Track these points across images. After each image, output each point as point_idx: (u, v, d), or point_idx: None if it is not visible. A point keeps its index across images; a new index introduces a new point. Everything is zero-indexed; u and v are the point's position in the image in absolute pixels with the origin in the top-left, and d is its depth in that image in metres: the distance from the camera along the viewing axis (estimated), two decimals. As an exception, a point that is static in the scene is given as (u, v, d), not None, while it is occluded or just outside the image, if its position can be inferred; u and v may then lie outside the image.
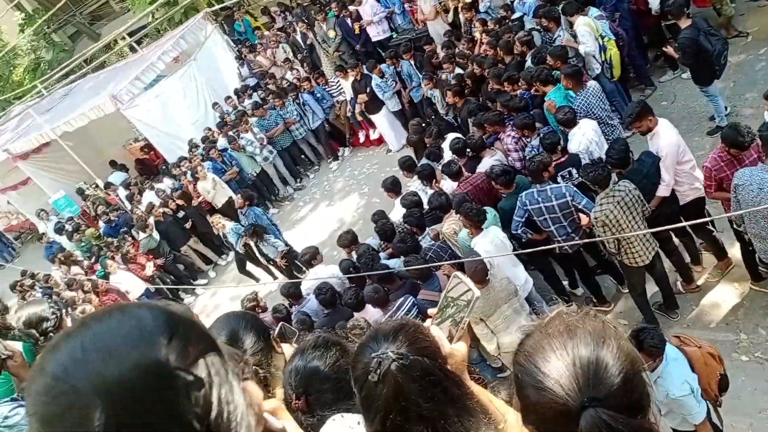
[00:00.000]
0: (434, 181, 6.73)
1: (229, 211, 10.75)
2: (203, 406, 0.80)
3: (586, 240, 5.22)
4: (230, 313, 2.12)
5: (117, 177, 13.93)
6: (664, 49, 7.18)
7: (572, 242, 5.42)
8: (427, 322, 1.60)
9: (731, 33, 7.88)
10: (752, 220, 4.54)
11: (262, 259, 8.95)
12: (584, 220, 5.31)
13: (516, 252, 5.49)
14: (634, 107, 5.44)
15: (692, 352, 3.78)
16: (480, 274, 4.75)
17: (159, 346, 0.79)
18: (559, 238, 5.47)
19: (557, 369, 1.14)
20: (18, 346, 3.19)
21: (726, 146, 4.72)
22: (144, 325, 0.82)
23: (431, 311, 1.61)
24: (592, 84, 6.60)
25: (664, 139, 5.23)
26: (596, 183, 4.94)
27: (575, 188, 5.38)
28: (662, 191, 5.28)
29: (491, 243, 5.30)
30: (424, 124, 8.65)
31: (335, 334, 2.00)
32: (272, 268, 9.28)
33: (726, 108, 7.09)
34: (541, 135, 6.05)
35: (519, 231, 5.59)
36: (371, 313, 5.36)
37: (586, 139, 5.89)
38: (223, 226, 9.29)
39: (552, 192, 5.34)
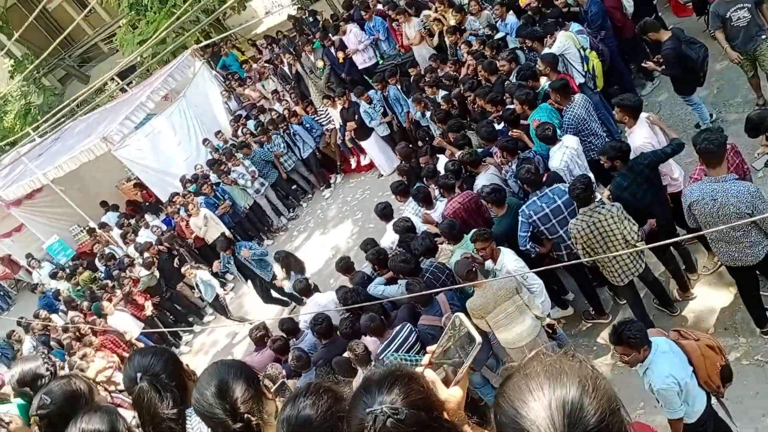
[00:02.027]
0: (429, 203, 6.69)
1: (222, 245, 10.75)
2: None
3: (576, 261, 5.17)
4: (219, 362, 2.10)
5: (110, 217, 13.90)
6: (643, 64, 7.23)
7: (563, 263, 5.47)
8: (425, 359, 1.57)
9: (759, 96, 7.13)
10: (714, 228, 4.45)
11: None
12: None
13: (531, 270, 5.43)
14: (632, 99, 5.69)
15: (688, 345, 3.83)
16: (471, 275, 4.95)
17: None
18: (568, 242, 5.44)
19: (534, 410, 1.14)
20: (13, 407, 3.13)
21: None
22: None
23: (430, 349, 1.58)
24: (578, 97, 6.62)
25: (638, 139, 5.45)
26: (579, 201, 5.01)
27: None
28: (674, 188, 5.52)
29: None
30: (412, 146, 8.69)
31: (329, 376, 1.96)
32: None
33: (711, 115, 7.13)
34: (518, 163, 6.06)
35: (528, 246, 5.55)
36: (367, 342, 5.28)
37: (566, 156, 5.90)
38: (194, 275, 9.45)
39: (554, 193, 5.40)
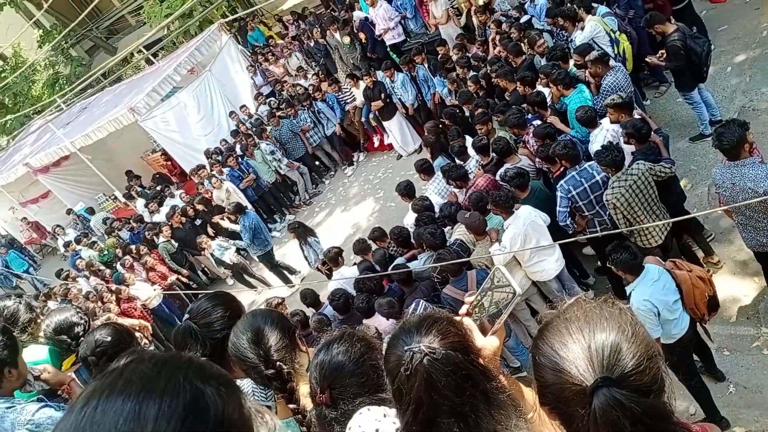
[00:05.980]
0: (459, 181, 6.64)
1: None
2: None
3: (612, 231, 5.24)
4: (256, 311, 2.16)
5: (95, 220, 14.11)
6: (647, 59, 7.12)
7: (596, 234, 5.50)
8: (463, 309, 1.60)
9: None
10: (736, 212, 4.74)
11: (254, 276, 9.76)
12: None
13: (543, 246, 5.47)
14: (622, 97, 5.70)
15: (681, 275, 4.14)
16: (480, 227, 5.41)
17: None
18: (604, 217, 5.50)
19: (573, 352, 1.20)
20: (44, 350, 3.22)
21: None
22: (141, 421, 0.76)
23: (468, 299, 1.60)
24: (617, 65, 6.60)
25: None
26: (610, 166, 5.11)
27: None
28: None
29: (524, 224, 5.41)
30: (440, 126, 8.63)
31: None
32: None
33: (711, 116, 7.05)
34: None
35: (568, 222, 5.56)
36: (380, 321, 5.33)
37: (609, 137, 5.84)
38: (209, 246, 9.65)
39: (593, 168, 5.41)
